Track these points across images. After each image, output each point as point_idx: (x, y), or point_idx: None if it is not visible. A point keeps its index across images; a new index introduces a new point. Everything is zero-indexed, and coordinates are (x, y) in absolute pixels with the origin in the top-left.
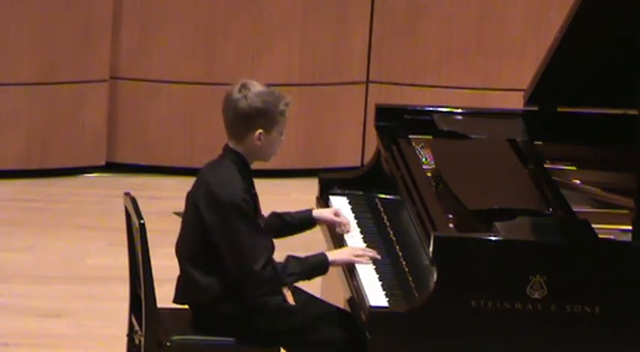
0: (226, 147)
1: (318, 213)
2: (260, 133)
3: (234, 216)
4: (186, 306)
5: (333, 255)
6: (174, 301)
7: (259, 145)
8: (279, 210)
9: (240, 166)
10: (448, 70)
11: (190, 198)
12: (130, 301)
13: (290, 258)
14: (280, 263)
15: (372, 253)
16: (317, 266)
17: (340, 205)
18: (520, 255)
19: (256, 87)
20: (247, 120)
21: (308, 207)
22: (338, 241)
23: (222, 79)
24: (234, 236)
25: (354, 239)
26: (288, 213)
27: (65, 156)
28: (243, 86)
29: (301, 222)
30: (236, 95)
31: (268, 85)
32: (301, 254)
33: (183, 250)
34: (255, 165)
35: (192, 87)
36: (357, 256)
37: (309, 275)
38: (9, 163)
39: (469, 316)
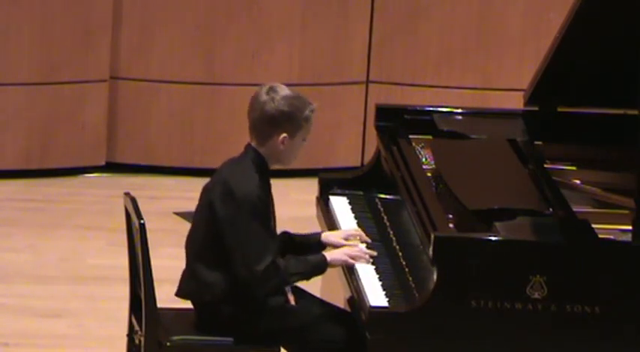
0: (248, 146)
1: (326, 237)
2: (284, 137)
3: (246, 212)
4: (187, 306)
5: (330, 255)
6: (177, 294)
7: (282, 149)
8: (279, 210)
9: (259, 166)
10: (448, 70)
11: (206, 193)
12: (130, 301)
13: (290, 257)
14: (281, 262)
15: (369, 253)
16: (317, 266)
17: (340, 205)
18: (520, 255)
19: (284, 90)
20: (273, 122)
21: (308, 208)
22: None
23: (222, 79)
24: (244, 232)
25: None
26: (298, 235)
27: (65, 156)
28: (272, 89)
29: (310, 244)
30: (264, 97)
31: None
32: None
33: (192, 245)
34: None
35: (192, 87)
36: (352, 257)
37: (309, 275)
38: (9, 163)
39: (469, 316)
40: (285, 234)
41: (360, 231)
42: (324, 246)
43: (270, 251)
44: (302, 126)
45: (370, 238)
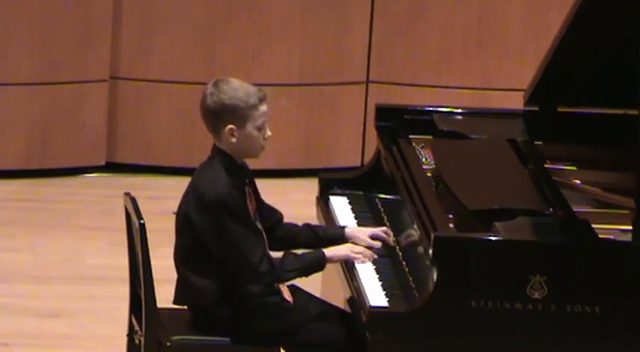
0: (213, 147)
1: (352, 232)
2: (231, 129)
3: (222, 213)
4: (186, 307)
5: (331, 251)
6: (174, 302)
7: (235, 141)
8: (279, 210)
9: (226, 164)
10: (448, 70)
11: (181, 203)
12: (130, 301)
13: (287, 253)
14: (277, 258)
15: (371, 254)
16: (314, 262)
17: (340, 205)
18: (520, 255)
19: (229, 83)
20: (215, 116)
21: (308, 207)
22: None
23: None
24: (226, 234)
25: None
26: (321, 227)
27: (65, 156)
28: (215, 83)
29: (333, 238)
30: (207, 92)
31: (268, 85)
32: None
33: (177, 255)
34: (255, 165)
35: (192, 87)
36: (355, 252)
37: (306, 272)
38: (9, 163)
39: (469, 316)
40: (307, 227)
41: (388, 230)
42: (346, 240)
43: (257, 245)
44: (249, 115)
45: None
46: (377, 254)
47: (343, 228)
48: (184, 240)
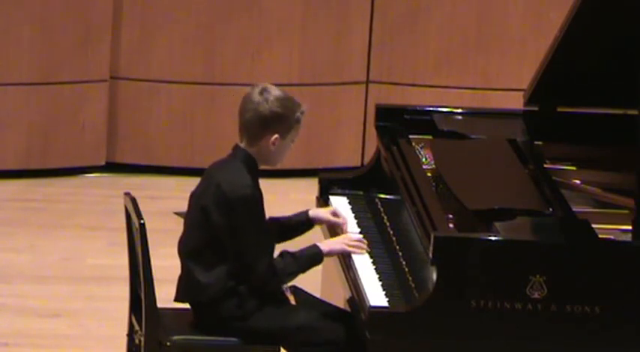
0: (236, 147)
1: (315, 213)
2: (276, 138)
3: (243, 213)
4: (187, 305)
5: (327, 245)
6: (176, 299)
7: (272, 150)
8: (278, 210)
9: (249, 166)
10: (448, 70)
11: (196, 198)
12: (130, 301)
13: (285, 255)
14: (276, 260)
15: (365, 244)
16: (312, 259)
17: (340, 205)
18: (520, 255)
19: (276, 91)
20: (266, 123)
21: (308, 207)
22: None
23: (222, 79)
24: (242, 234)
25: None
26: (285, 217)
27: (65, 156)
28: (265, 90)
29: (299, 224)
30: (257, 97)
31: None
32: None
33: (186, 249)
34: None
35: (192, 87)
36: (351, 246)
37: (305, 270)
38: (9, 163)
39: (469, 316)
40: (272, 221)
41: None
42: (312, 223)
43: (267, 251)
44: (293, 128)
45: (370, 238)
46: (379, 255)
47: (306, 211)
48: (197, 235)
